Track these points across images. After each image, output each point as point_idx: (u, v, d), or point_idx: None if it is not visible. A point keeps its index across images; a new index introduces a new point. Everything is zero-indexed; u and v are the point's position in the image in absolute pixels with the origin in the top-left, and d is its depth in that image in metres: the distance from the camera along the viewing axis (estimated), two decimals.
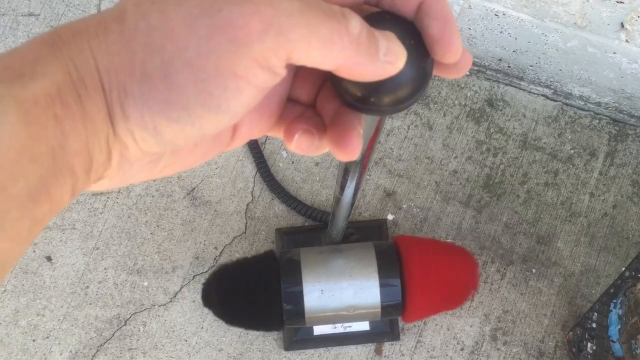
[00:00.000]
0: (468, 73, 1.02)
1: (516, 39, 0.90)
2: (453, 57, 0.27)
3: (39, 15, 1.04)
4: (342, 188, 0.55)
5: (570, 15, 0.80)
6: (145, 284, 0.94)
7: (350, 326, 0.89)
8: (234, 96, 0.24)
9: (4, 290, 0.94)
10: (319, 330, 0.89)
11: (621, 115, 0.99)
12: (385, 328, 0.90)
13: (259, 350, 0.91)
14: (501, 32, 0.90)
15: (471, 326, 0.92)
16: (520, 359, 0.91)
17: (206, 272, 0.94)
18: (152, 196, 0.97)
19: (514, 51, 0.93)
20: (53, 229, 0.96)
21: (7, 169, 0.21)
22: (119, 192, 0.97)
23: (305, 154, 0.30)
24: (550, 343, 0.92)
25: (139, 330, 0.92)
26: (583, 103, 1.00)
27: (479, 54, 0.97)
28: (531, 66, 0.95)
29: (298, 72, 0.31)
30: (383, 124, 0.41)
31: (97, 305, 0.93)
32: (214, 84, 0.24)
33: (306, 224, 0.96)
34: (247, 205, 0.97)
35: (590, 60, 0.88)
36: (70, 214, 0.96)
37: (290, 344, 0.90)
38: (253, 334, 0.92)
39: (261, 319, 0.83)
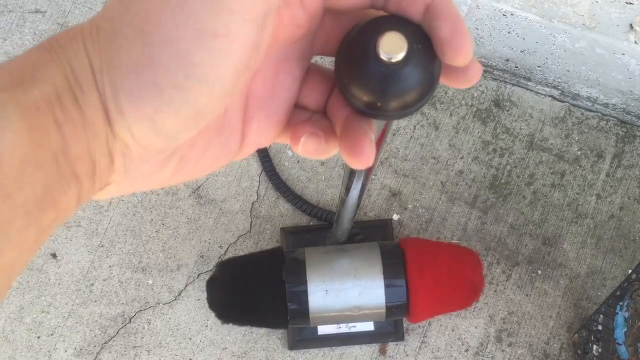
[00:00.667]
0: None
1: (524, 39, 0.89)
2: (464, 60, 0.26)
3: (45, 12, 1.04)
4: (348, 190, 0.55)
5: (579, 15, 0.79)
6: (150, 281, 0.94)
7: (354, 326, 0.89)
8: (219, 60, 0.23)
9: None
10: (323, 329, 0.89)
11: (629, 116, 0.98)
12: (389, 328, 0.90)
13: (263, 349, 0.91)
14: (509, 33, 0.89)
15: (476, 327, 0.92)
16: None
17: (211, 270, 0.94)
18: (158, 194, 0.97)
19: (521, 51, 0.93)
20: (58, 226, 0.96)
21: (12, 176, 0.21)
22: None
23: (312, 158, 0.30)
24: (555, 345, 0.91)
25: (144, 328, 0.92)
26: (590, 104, 0.99)
27: (486, 54, 0.97)
28: (539, 67, 0.95)
29: (306, 80, 0.30)
30: (390, 128, 0.41)
31: (101, 302, 0.93)
32: (196, 52, 0.23)
33: (311, 224, 0.96)
34: (253, 204, 0.97)
35: (599, 61, 0.88)
36: (76, 212, 0.96)
37: (295, 343, 0.90)
38: (257, 332, 0.92)
39: (267, 316, 0.82)
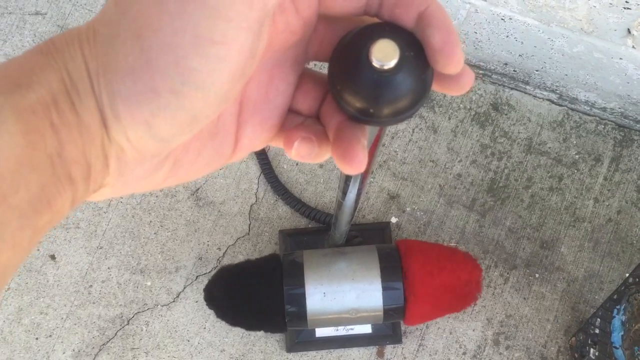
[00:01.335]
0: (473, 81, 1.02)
1: (522, 43, 0.90)
2: (455, 68, 0.26)
3: (45, 14, 1.05)
4: (345, 193, 0.55)
5: (577, 20, 0.79)
6: (149, 283, 0.94)
7: (352, 329, 0.89)
8: (215, 66, 0.24)
9: (8, 289, 0.94)
10: (321, 332, 0.90)
11: (627, 120, 0.99)
12: (387, 331, 0.90)
13: (261, 352, 0.91)
14: (507, 37, 0.89)
15: (474, 330, 0.92)
16: None
17: (209, 272, 0.95)
18: (156, 196, 0.97)
19: (519, 55, 0.93)
20: (57, 228, 0.96)
21: (8, 178, 0.21)
22: None
23: (306, 162, 0.30)
24: (552, 348, 0.92)
25: (142, 330, 0.93)
26: (588, 108, 0.99)
27: (484, 58, 0.97)
28: (537, 71, 0.95)
29: (299, 85, 0.31)
30: (384, 134, 0.41)
31: (100, 304, 0.93)
32: (194, 58, 0.23)
33: (310, 226, 0.96)
34: (251, 206, 0.97)
35: (596, 66, 0.88)
36: (75, 213, 0.97)
37: (292, 346, 0.90)
38: (255, 335, 0.92)
39: (265, 320, 0.83)
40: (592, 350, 0.82)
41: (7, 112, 0.22)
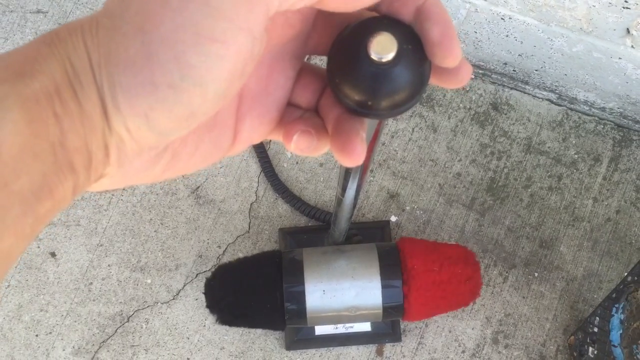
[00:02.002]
0: (473, 76, 1.02)
1: (522, 43, 0.90)
2: (453, 61, 0.27)
3: (47, 12, 1.05)
4: (344, 189, 0.55)
5: (576, 20, 0.80)
6: (149, 281, 0.94)
7: (352, 327, 0.89)
8: (215, 64, 0.24)
9: (8, 286, 0.94)
10: (320, 330, 0.90)
11: (626, 120, 0.99)
12: (386, 329, 0.91)
13: (261, 349, 0.92)
14: (507, 36, 0.90)
15: (473, 329, 0.92)
16: None
17: (209, 270, 0.95)
18: (157, 194, 0.98)
19: (519, 55, 0.93)
20: (57, 225, 0.96)
21: (10, 165, 0.22)
22: (123, 189, 0.98)
23: (305, 155, 0.31)
24: (551, 347, 0.92)
25: (142, 327, 0.93)
26: (588, 108, 1.00)
27: (484, 58, 0.97)
28: (536, 70, 0.95)
29: (298, 79, 0.31)
30: (383, 128, 0.41)
31: (100, 301, 0.94)
32: (193, 54, 0.23)
33: (309, 224, 0.96)
34: (251, 204, 0.97)
35: (596, 66, 0.88)
36: (75, 211, 0.97)
37: (292, 344, 0.90)
38: (255, 333, 0.92)
39: (265, 317, 0.83)
40: (590, 348, 0.82)
41: (12, 101, 0.22)
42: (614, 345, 0.77)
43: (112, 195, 0.97)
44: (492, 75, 1.01)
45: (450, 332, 0.92)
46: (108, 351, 0.92)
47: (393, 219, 0.97)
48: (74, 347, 0.92)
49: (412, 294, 0.79)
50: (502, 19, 0.86)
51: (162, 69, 0.24)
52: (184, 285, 0.94)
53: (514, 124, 1.00)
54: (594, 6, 0.76)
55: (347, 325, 0.89)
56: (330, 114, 0.30)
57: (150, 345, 0.92)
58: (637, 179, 0.98)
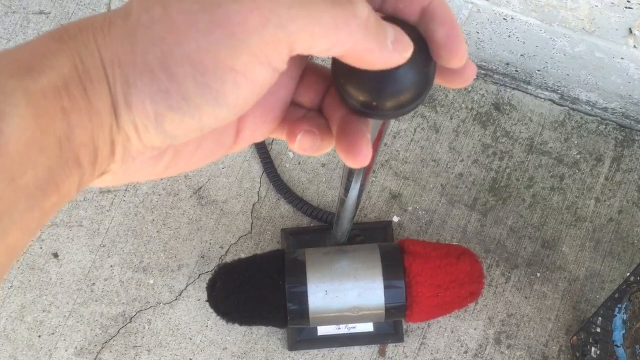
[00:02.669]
0: (475, 76, 1.02)
1: (524, 43, 0.90)
2: (459, 62, 0.27)
3: (49, 13, 1.05)
4: (347, 190, 0.55)
5: (579, 20, 0.80)
6: (151, 281, 0.95)
7: (354, 327, 0.89)
8: (232, 91, 0.24)
9: (11, 286, 0.94)
10: (322, 330, 0.90)
11: (628, 120, 0.99)
12: (389, 329, 0.91)
13: (263, 350, 0.92)
14: (509, 36, 0.90)
15: (475, 329, 0.92)
16: None
17: (211, 270, 0.95)
18: (159, 195, 0.98)
19: (521, 55, 0.93)
20: (60, 226, 0.96)
21: (17, 160, 0.22)
22: (126, 190, 0.98)
23: (308, 154, 0.31)
24: (554, 347, 0.92)
25: (144, 328, 0.93)
26: (590, 108, 1.00)
27: (486, 58, 0.97)
28: (538, 70, 0.95)
29: (302, 78, 0.31)
30: (387, 128, 0.41)
31: (102, 302, 0.94)
32: (212, 78, 0.24)
33: (312, 225, 0.96)
34: (254, 205, 0.97)
35: (598, 66, 0.88)
36: (78, 211, 0.97)
37: (294, 344, 0.90)
38: (257, 333, 0.92)
39: (268, 314, 0.83)
40: (593, 349, 0.82)
41: (19, 96, 0.22)
42: (616, 346, 0.77)
43: (115, 196, 0.98)
44: (494, 76, 1.01)
45: (452, 332, 0.92)
46: (110, 352, 0.92)
47: (395, 219, 0.97)
48: (76, 348, 0.92)
49: (415, 295, 0.79)
50: (504, 19, 0.86)
51: (179, 82, 0.24)
52: (187, 286, 0.94)
53: (516, 124, 1.00)
54: (596, 6, 0.76)
55: (350, 325, 0.89)
56: (334, 114, 0.30)
57: (152, 345, 0.92)
58: (639, 179, 0.98)
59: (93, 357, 0.92)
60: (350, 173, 0.51)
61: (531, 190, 0.98)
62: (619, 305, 0.77)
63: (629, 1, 0.72)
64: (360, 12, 0.24)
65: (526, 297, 0.94)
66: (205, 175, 0.98)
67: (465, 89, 1.02)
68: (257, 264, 0.84)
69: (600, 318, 0.80)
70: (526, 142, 0.99)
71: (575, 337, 0.87)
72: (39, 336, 0.93)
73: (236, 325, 0.91)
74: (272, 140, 1.00)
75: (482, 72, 1.01)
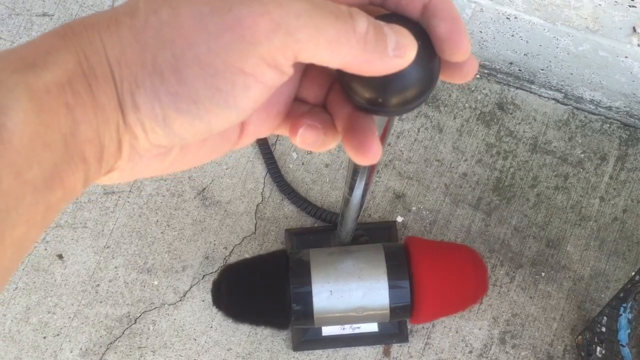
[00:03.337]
0: (479, 76, 1.02)
1: (527, 42, 0.90)
2: (462, 56, 0.27)
3: (53, 15, 1.05)
4: (351, 189, 0.55)
5: (582, 19, 0.80)
6: (156, 282, 0.95)
7: (358, 327, 0.89)
8: (241, 93, 0.25)
9: (16, 288, 0.94)
10: (327, 331, 0.90)
11: (632, 119, 0.99)
12: (393, 330, 0.91)
13: (268, 350, 0.92)
14: (512, 36, 0.90)
15: (480, 329, 0.92)
16: None
17: (216, 271, 0.95)
18: (163, 196, 0.98)
19: (525, 54, 0.93)
20: (64, 227, 0.97)
21: (22, 154, 0.22)
22: (130, 191, 0.98)
23: (311, 150, 0.31)
24: (559, 347, 0.92)
25: (149, 329, 0.93)
26: (594, 107, 0.99)
27: (490, 57, 0.97)
28: (542, 70, 0.95)
29: (306, 74, 0.31)
30: (392, 125, 0.41)
31: (107, 303, 0.94)
32: (222, 80, 0.24)
33: (316, 225, 0.96)
34: (257, 205, 0.97)
35: (602, 64, 0.88)
36: (82, 213, 0.97)
37: (299, 345, 0.90)
38: (262, 334, 0.92)
39: (272, 316, 0.83)
40: (598, 348, 0.82)
41: (21, 91, 0.22)
42: (621, 345, 0.77)
43: (119, 197, 0.98)
44: (498, 75, 1.01)
45: (457, 332, 0.92)
46: (115, 353, 0.92)
47: (399, 219, 0.97)
48: (81, 349, 0.92)
49: (419, 294, 0.79)
50: (507, 18, 0.86)
51: (189, 85, 0.24)
52: (191, 287, 0.94)
53: (519, 123, 1.00)
54: (600, 5, 0.76)
55: (354, 325, 0.89)
56: (339, 111, 0.30)
57: (157, 346, 0.92)
58: None
59: (98, 359, 0.92)
60: (355, 172, 0.51)
61: (535, 189, 0.98)
62: (624, 305, 0.77)
63: (632, 0, 0.72)
64: (359, 27, 0.25)
65: (531, 297, 0.93)
66: (209, 176, 0.99)
67: (468, 88, 1.02)
68: (261, 264, 0.84)
69: (605, 317, 0.80)
70: (530, 141, 0.99)
71: (580, 337, 0.87)
72: (44, 337, 0.93)
73: (240, 326, 0.92)
74: (276, 141, 1.00)
75: (486, 71, 1.01)
